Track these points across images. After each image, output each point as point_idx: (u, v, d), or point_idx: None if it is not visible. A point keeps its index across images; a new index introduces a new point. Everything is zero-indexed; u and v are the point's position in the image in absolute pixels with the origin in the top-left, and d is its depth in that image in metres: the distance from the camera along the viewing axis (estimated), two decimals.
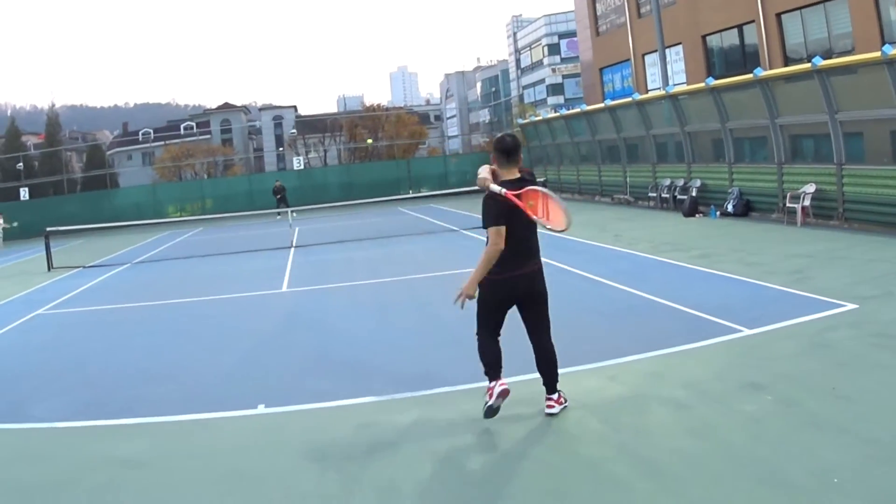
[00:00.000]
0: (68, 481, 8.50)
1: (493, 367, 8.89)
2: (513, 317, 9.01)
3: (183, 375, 12.84)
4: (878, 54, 20.95)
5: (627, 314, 14.27)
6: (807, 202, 24.60)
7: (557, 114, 50.69)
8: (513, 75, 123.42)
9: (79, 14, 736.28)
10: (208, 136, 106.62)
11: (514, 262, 8.78)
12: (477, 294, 8.80)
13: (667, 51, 44.65)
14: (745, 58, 42.00)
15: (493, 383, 8.77)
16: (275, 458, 8.56)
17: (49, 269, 31.78)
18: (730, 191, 29.29)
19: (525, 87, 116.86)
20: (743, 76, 28.44)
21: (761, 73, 26.72)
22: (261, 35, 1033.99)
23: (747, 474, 6.97)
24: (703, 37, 45.79)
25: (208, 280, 24.53)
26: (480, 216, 8.89)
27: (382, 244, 29.98)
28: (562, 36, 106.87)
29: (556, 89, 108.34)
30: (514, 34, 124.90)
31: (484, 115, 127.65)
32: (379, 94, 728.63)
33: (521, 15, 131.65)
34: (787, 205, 25.39)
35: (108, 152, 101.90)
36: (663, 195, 34.26)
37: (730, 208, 28.62)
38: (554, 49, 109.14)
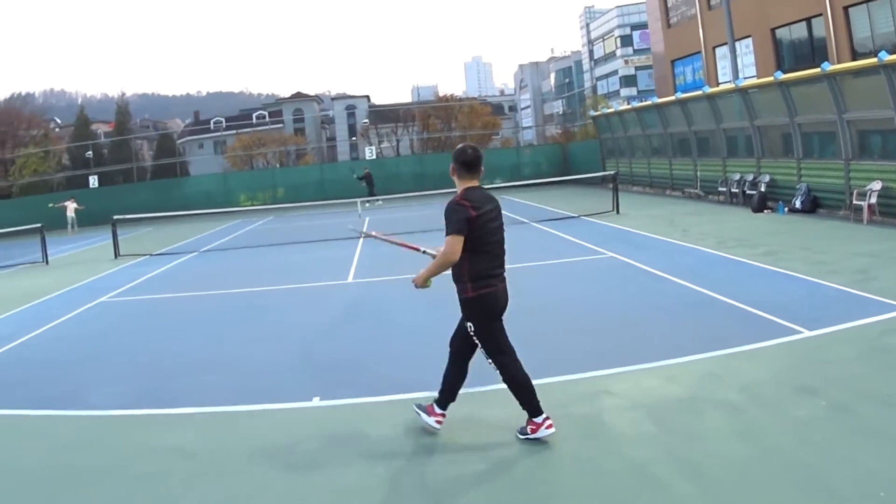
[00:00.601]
0: (116, 468, 8.61)
1: (533, 396, 8.54)
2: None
3: (240, 365, 12.93)
4: None
5: (689, 311, 14.15)
6: (873, 199, 24.20)
7: (629, 106, 50.30)
8: (586, 66, 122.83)
9: (151, 3, 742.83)
10: (280, 125, 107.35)
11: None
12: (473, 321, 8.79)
13: (737, 44, 44.38)
14: (813, 51, 41.43)
15: (540, 419, 8.48)
16: (325, 452, 8.59)
17: (116, 257, 32.24)
18: (798, 187, 28.92)
19: (598, 79, 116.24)
20: (811, 70, 27.98)
21: (829, 67, 26.29)
22: (334, 24, 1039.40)
23: (790, 480, 6.91)
24: (772, 30, 45.13)
25: (274, 269, 24.64)
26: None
27: None
28: (634, 27, 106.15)
29: (628, 81, 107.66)
30: (587, 25, 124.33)
31: (558, 107, 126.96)
32: (453, 85, 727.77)
33: (593, 6, 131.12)
34: (854, 202, 25.02)
35: (179, 141, 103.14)
36: (733, 190, 33.92)
37: (797, 204, 28.29)
38: (626, 40, 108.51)
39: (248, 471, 8.25)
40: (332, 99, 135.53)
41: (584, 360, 11.19)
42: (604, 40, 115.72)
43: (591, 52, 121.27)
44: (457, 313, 8.56)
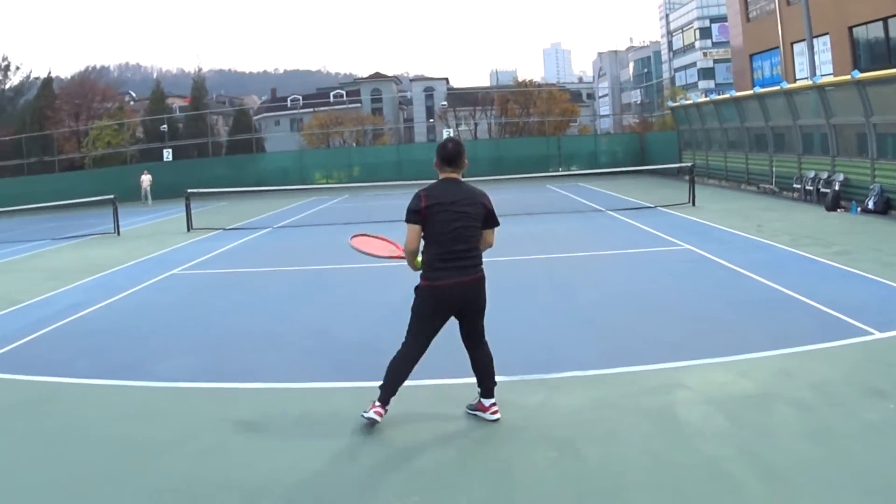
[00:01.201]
0: (178, 441, 8.60)
1: (393, 390, 8.74)
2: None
3: (308, 342, 12.93)
4: None
5: (762, 307, 13.91)
6: None
7: (707, 98, 49.88)
8: (664, 57, 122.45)
9: None
10: (358, 105, 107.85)
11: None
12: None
13: (814, 40, 43.93)
14: (889, 52, 40.98)
15: (379, 405, 8.64)
16: (394, 431, 8.52)
17: (188, 230, 32.59)
18: (871, 187, 28.35)
19: (676, 70, 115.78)
20: (887, 70, 27.49)
21: None
22: (413, 5, 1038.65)
23: (860, 485, 6.73)
24: (850, 28, 44.65)
25: (348, 248, 24.21)
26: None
27: (528, 221, 29.78)
28: (713, 20, 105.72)
29: (706, 73, 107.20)
30: (667, 16, 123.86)
31: (636, 96, 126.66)
32: (532, 70, 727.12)
33: None
34: None
35: (255, 117, 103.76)
36: (807, 187, 33.41)
37: (870, 205, 27.71)
38: (706, 33, 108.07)
39: (316, 447, 8.19)
40: (411, 80, 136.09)
41: (657, 350, 11.13)
42: (683, 32, 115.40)
43: (669, 42, 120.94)
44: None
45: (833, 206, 29.32)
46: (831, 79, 35.13)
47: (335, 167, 65.68)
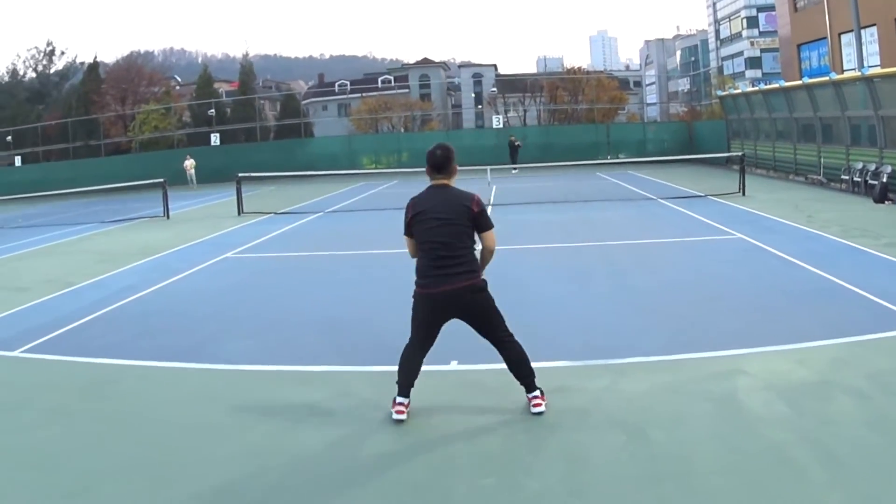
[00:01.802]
0: (244, 424, 8.69)
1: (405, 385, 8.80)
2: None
3: (370, 326, 12.94)
4: None
5: (816, 297, 13.93)
6: None
7: (756, 88, 49.55)
8: (712, 46, 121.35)
9: None
10: (406, 91, 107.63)
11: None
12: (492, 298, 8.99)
13: (862, 31, 43.57)
14: None
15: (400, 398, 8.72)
16: (464, 415, 8.58)
17: (239, 214, 32.79)
18: None
19: (724, 59, 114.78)
20: None
21: None
22: None
23: None
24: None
25: (400, 233, 24.28)
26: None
27: (579, 208, 29.87)
28: (760, 9, 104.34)
29: (753, 63, 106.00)
30: (714, 4, 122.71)
31: (683, 84, 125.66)
32: (578, 57, 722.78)
33: None
34: None
35: (303, 102, 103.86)
36: (855, 179, 33.05)
37: None
38: (752, 22, 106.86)
39: (386, 430, 8.26)
40: (459, 66, 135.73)
41: (717, 338, 11.19)
42: (730, 20, 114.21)
43: (717, 31, 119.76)
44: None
45: (881, 198, 29.04)
46: (879, 70, 34.94)
47: (384, 152, 65.85)
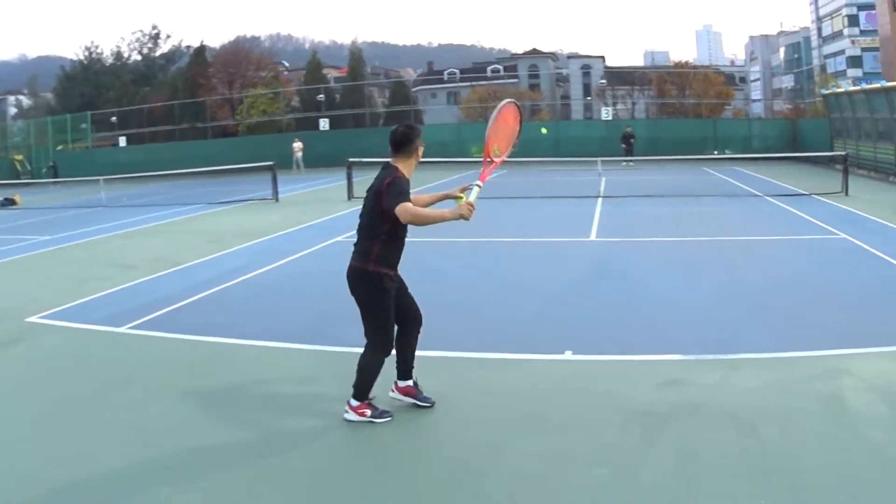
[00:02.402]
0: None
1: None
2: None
3: (488, 313, 12.92)
4: None
5: None
6: None
7: (858, 87, 48.70)
8: (814, 43, 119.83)
9: None
10: (515, 81, 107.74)
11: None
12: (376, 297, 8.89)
13: None
14: None
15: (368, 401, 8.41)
16: (578, 406, 8.50)
17: (349, 199, 32.83)
18: None
19: (826, 57, 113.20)
20: None
21: None
22: None
23: None
24: None
25: (515, 222, 24.72)
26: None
27: (688, 202, 29.58)
28: (861, 7, 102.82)
29: (854, 62, 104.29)
30: (815, 1, 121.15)
31: (787, 81, 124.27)
32: (683, 51, 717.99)
33: None
34: None
35: (413, 90, 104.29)
36: None
37: None
38: (853, 20, 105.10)
39: (501, 417, 8.20)
40: (568, 57, 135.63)
41: (823, 337, 11.04)
42: (832, 18, 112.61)
43: (819, 29, 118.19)
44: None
45: None
46: None
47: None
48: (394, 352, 8.58)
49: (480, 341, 11.04)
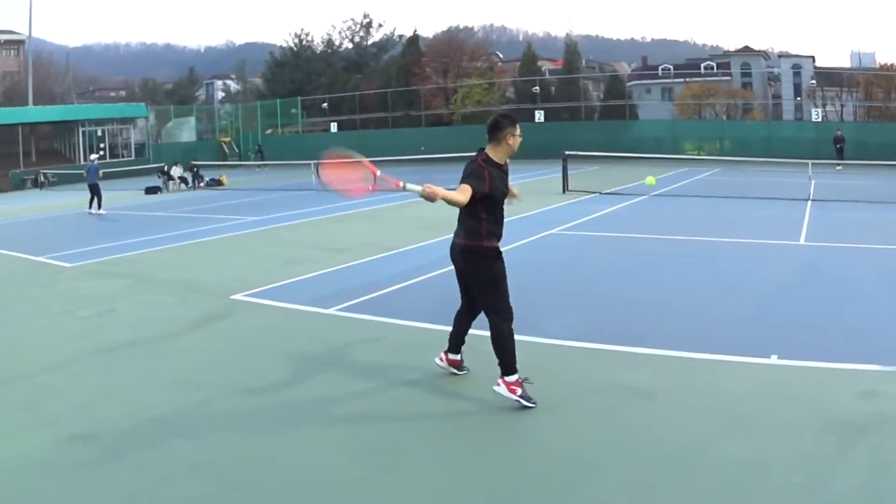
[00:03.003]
0: (570, 399, 8.86)
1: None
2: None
3: (696, 312, 12.86)
4: None
5: None
6: None
7: None
8: None
9: None
10: (728, 79, 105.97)
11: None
12: (491, 268, 9.13)
13: None
14: None
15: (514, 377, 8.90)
16: (780, 410, 8.40)
17: (563, 192, 33.19)
18: None
19: None
20: None
21: None
22: None
23: None
24: None
25: (723, 222, 24.25)
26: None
27: None
28: None
29: None
30: None
31: None
32: (891, 53, 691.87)
33: None
34: None
35: (627, 84, 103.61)
36: None
37: None
38: None
39: (706, 419, 8.23)
40: (779, 56, 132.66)
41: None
42: None
43: None
44: None
45: None
46: None
47: (706, 139, 64.83)
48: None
49: (690, 340, 10.99)
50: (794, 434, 7.79)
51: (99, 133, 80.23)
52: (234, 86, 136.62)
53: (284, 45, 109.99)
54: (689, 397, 8.83)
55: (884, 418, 8.16)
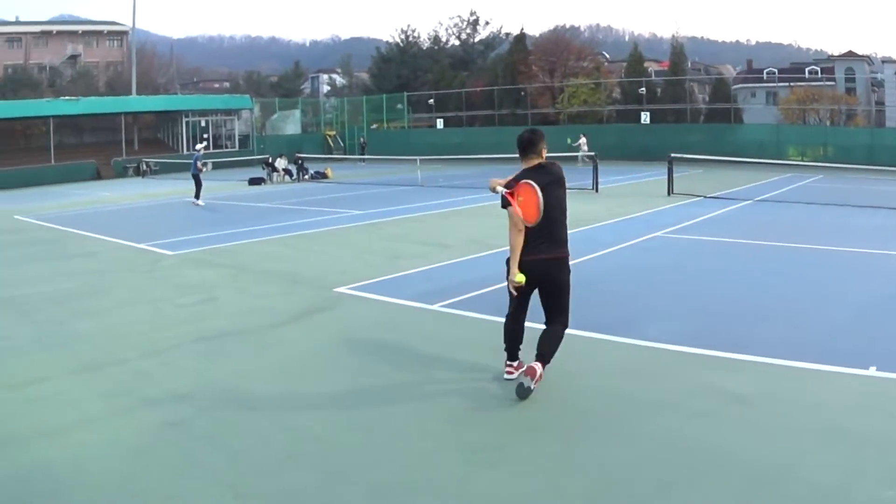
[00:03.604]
0: (669, 403, 8.89)
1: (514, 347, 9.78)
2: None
3: (797, 320, 12.66)
4: None
5: None
6: None
7: None
8: None
9: None
10: (832, 83, 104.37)
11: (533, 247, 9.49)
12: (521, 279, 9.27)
13: None
14: None
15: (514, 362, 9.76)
16: (876, 423, 8.29)
17: (669, 194, 32.91)
18: None
19: None
20: None
21: None
22: None
23: None
24: None
25: (826, 229, 23.84)
26: None
27: None
28: None
29: None
30: None
31: None
32: None
33: None
34: None
35: (733, 87, 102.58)
36: None
37: None
38: None
39: (803, 428, 8.17)
40: (882, 62, 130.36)
41: None
42: None
43: None
44: None
45: None
46: None
47: (809, 145, 63.33)
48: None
49: (787, 348, 10.88)
50: (889, 447, 7.71)
51: (203, 123, 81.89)
52: (339, 80, 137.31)
53: (391, 40, 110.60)
54: (785, 405, 8.76)
55: None
